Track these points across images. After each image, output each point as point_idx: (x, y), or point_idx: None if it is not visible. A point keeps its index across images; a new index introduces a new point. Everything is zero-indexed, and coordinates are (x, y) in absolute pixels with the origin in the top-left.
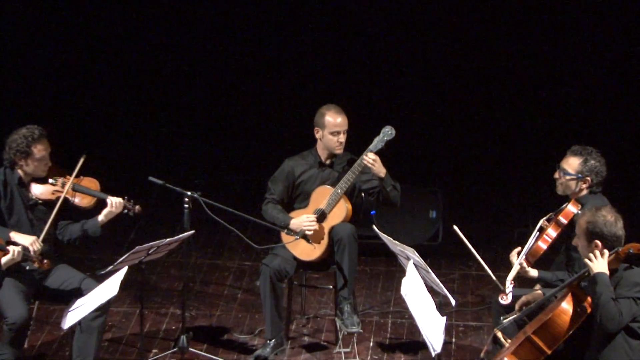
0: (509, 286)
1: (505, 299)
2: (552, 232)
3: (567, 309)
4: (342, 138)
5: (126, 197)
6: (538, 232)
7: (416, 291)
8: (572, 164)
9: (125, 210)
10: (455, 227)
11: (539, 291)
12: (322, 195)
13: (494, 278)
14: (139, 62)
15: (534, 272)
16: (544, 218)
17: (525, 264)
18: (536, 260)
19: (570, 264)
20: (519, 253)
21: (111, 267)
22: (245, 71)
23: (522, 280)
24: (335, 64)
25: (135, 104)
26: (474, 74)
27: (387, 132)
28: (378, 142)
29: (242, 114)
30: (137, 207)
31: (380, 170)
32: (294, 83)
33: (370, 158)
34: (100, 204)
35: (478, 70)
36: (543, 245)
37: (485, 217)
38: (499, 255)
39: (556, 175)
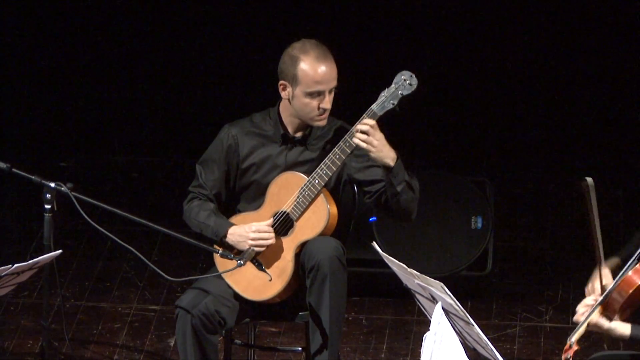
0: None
1: None
2: None
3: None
4: (328, 102)
5: None
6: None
7: (447, 357)
8: None
9: None
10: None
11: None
12: (286, 189)
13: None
14: None
15: (624, 328)
16: None
17: (603, 319)
18: (631, 305)
19: None
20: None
21: None
22: None
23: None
24: None
25: None
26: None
27: (404, 82)
28: (387, 98)
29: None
30: None
31: (382, 152)
32: None
33: (364, 126)
34: None
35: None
36: None
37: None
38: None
39: None
